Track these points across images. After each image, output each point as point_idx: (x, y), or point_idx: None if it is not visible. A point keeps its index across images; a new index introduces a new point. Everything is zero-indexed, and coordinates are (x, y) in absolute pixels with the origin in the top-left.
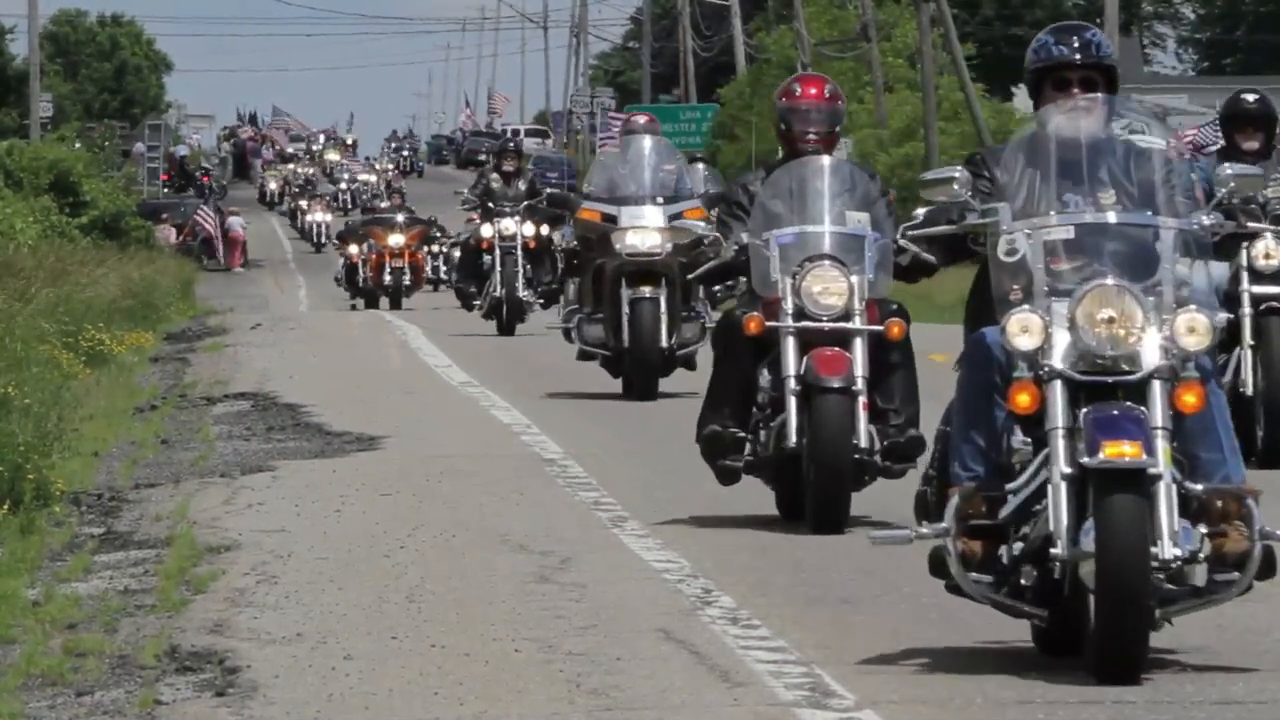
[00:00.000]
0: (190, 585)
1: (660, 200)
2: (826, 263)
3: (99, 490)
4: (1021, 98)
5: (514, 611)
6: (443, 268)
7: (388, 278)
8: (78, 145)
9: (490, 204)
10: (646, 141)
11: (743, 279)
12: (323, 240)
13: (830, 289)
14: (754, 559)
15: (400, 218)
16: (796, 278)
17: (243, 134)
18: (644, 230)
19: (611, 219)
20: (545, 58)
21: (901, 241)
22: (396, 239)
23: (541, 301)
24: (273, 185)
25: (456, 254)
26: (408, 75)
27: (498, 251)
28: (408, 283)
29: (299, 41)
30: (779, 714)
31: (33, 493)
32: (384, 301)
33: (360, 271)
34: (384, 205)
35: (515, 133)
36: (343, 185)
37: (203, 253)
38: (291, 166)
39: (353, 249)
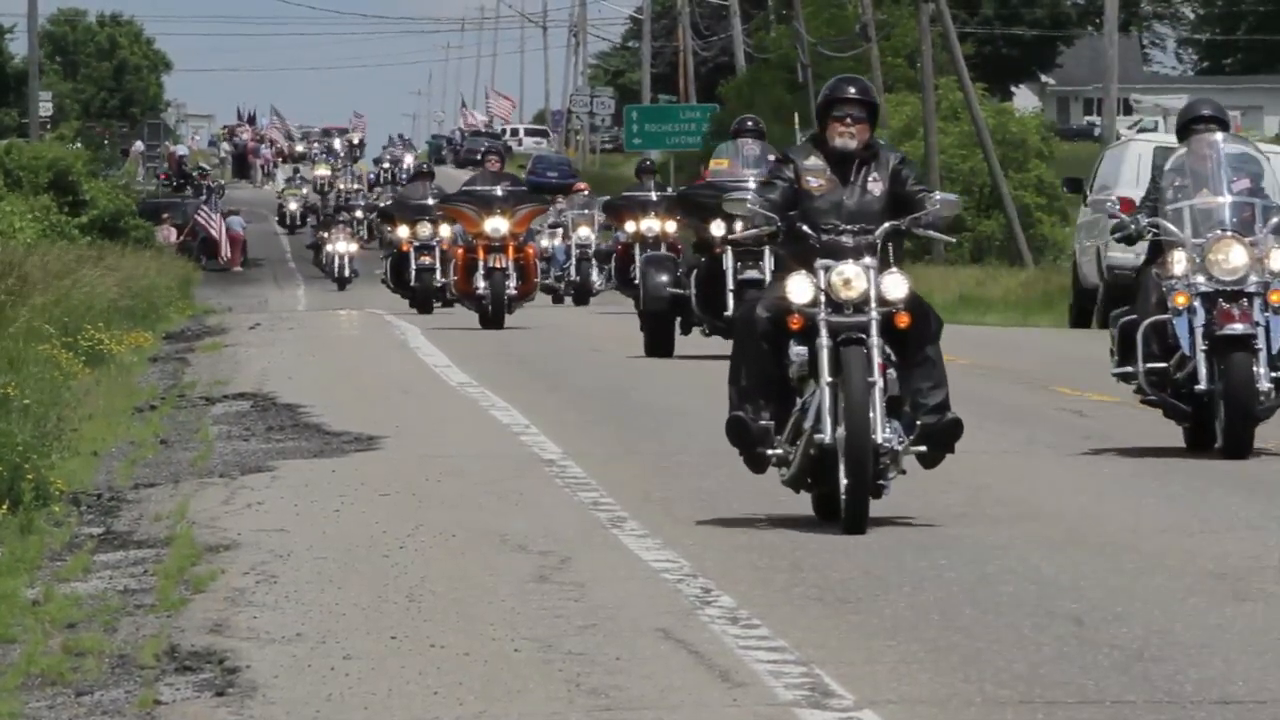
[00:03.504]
0: (190, 585)
1: None
2: None
3: (98, 490)
4: (1022, 97)
5: (514, 611)
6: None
7: (481, 283)
8: (77, 144)
9: (808, 228)
10: None
11: None
12: (346, 274)
13: None
14: (754, 559)
15: (499, 190)
16: None
17: (243, 134)
18: None
19: None
20: (545, 57)
21: None
22: (497, 224)
23: (921, 450)
24: (293, 206)
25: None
26: (408, 75)
27: (826, 338)
28: (513, 291)
29: (299, 41)
30: (779, 714)
31: (32, 493)
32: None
33: (411, 263)
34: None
35: (515, 132)
36: (359, 214)
37: (203, 252)
38: (317, 194)
39: (402, 231)
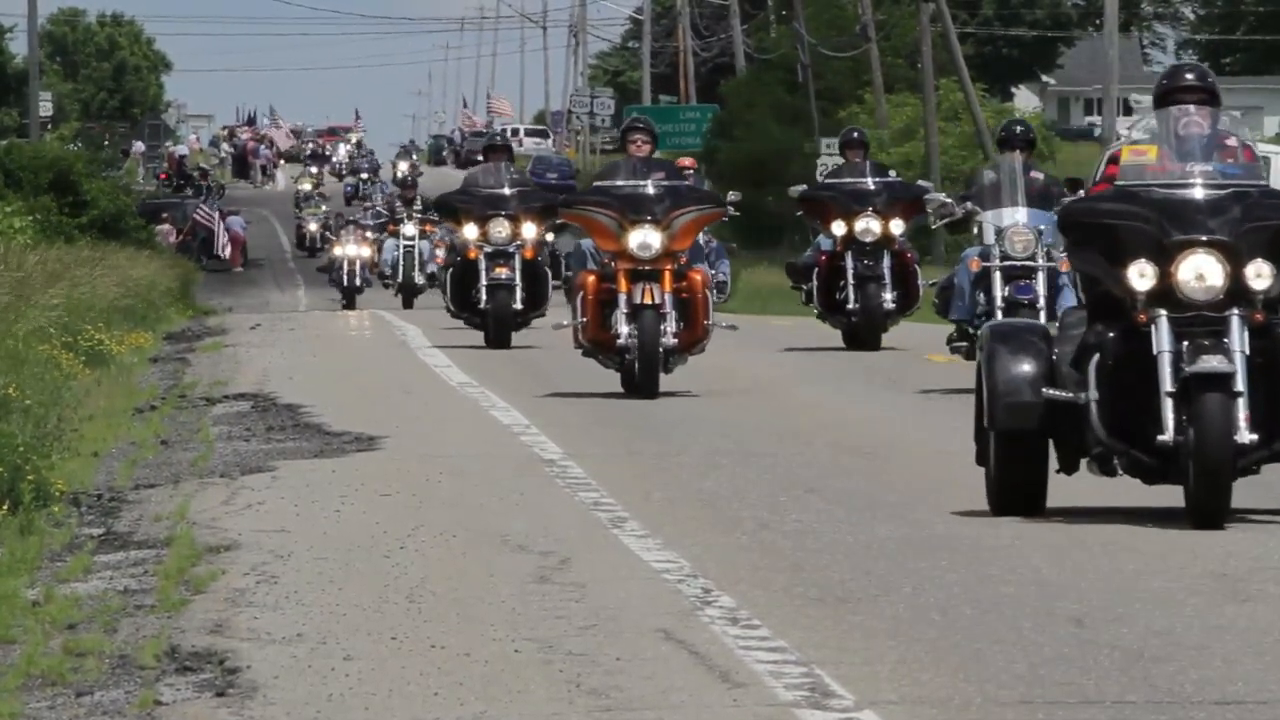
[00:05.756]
0: (190, 585)
1: None
2: None
3: (99, 491)
4: (1022, 98)
5: (514, 611)
6: None
7: (624, 328)
8: (77, 144)
9: None
10: None
11: None
12: (357, 283)
13: None
14: (754, 559)
15: (651, 186)
16: None
17: (243, 134)
18: None
19: None
20: (545, 58)
21: None
22: (647, 237)
23: None
24: (313, 227)
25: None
26: (408, 75)
27: None
28: (671, 340)
29: (299, 41)
30: (779, 714)
31: (32, 493)
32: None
33: (481, 276)
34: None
35: (515, 132)
36: (368, 234)
37: (203, 252)
38: (333, 210)
39: (470, 231)
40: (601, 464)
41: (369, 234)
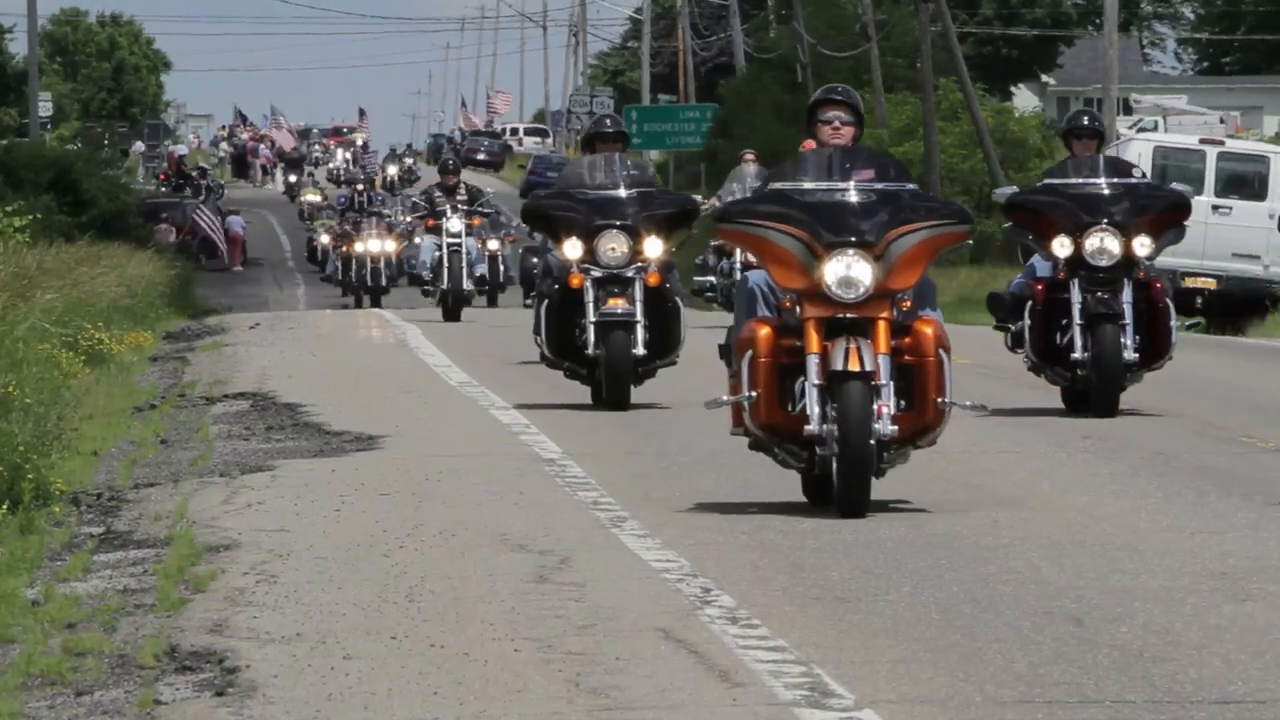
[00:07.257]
0: (189, 585)
1: None
2: None
3: (98, 490)
4: (1022, 97)
5: (513, 611)
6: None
7: (816, 408)
8: (77, 144)
9: None
10: None
11: None
12: (382, 282)
13: None
14: (754, 559)
15: (853, 191)
16: None
17: (242, 134)
18: None
19: None
20: (545, 57)
21: None
22: (852, 269)
23: None
24: (324, 239)
25: None
26: (407, 75)
27: None
28: (889, 429)
29: (299, 41)
30: (778, 714)
31: (32, 492)
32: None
33: (589, 311)
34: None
35: (515, 132)
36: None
37: (202, 252)
38: (339, 222)
39: (572, 249)
40: (601, 464)
41: (393, 226)
